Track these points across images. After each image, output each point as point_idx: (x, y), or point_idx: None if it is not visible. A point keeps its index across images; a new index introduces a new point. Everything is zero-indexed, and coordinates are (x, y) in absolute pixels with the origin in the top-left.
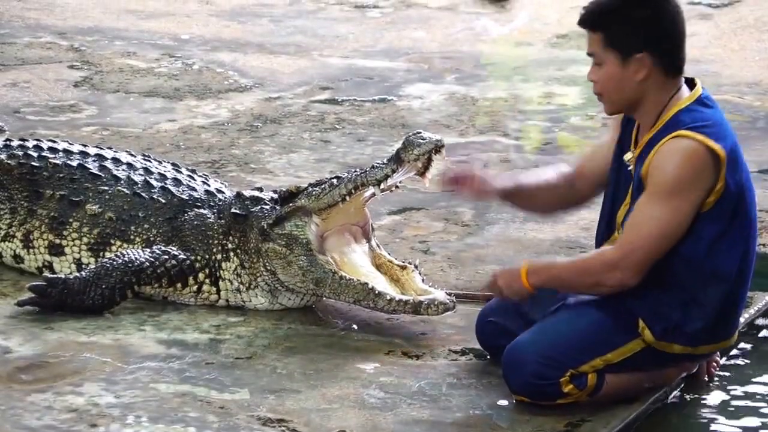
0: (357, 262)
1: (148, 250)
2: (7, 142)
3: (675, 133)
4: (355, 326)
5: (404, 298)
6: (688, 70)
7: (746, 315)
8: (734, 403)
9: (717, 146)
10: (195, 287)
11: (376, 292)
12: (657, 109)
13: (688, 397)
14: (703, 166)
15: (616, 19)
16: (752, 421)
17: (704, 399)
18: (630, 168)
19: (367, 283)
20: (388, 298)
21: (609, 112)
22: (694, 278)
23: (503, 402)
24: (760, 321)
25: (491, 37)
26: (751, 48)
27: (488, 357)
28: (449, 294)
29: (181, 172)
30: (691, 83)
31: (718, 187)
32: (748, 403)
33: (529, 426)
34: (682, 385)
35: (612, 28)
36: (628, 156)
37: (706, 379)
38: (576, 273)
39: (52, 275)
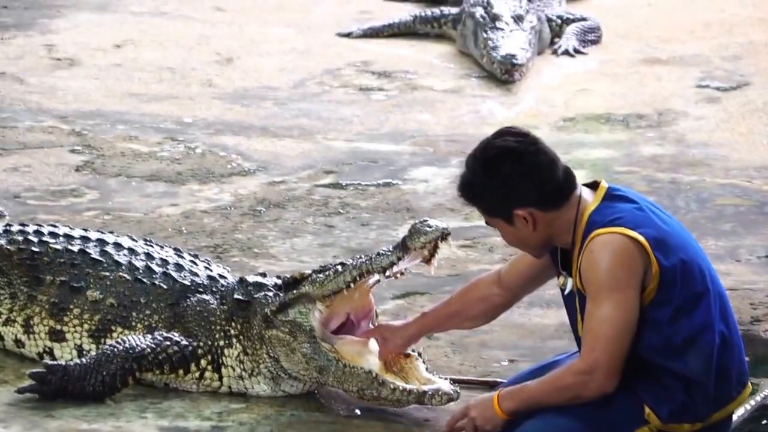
0: (361, 351)
1: (150, 336)
2: (8, 227)
3: (592, 235)
4: (358, 411)
5: (408, 387)
6: (697, 154)
7: (752, 402)
8: None
9: (635, 234)
10: (197, 374)
11: (380, 380)
12: (569, 231)
13: None
14: (629, 254)
15: (480, 193)
16: None
17: None
18: (568, 290)
19: (371, 371)
20: (392, 387)
21: (536, 257)
22: (671, 358)
23: None
24: None
25: (497, 120)
26: (759, 132)
27: None
28: (453, 382)
29: (183, 257)
30: (594, 185)
31: (654, 271)
32: None
33: None
34: None
35: (481, 202)
36: (561, 281)
37: None
38: (552, 391)
39: (52, 362)
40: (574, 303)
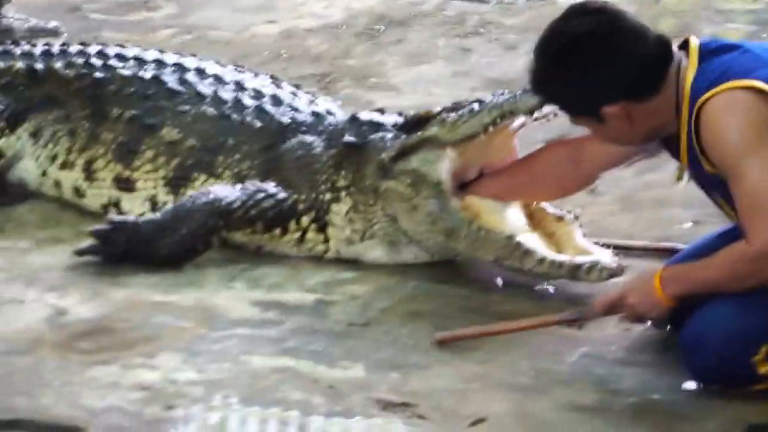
0: (501, 209)
1: (240, 186)
2: (64, 48)
3: (698, 104)
4: (499, 281)
5: (558, 258)
6: None
7: None
8: None
9: (749, 82)
10: (297, 234)
11: (524, 249)
12: (670, 111)
13: None
14: (751, 106)
15: (556, 92)
16: None
17: None
18: (685, 181)
19: (512, 237)
20: (539, 257)
21: (640, 146)
22: None
23: (689, 385)
24: None
25: None
26: None
27: (669, 327)
28: (617, 251)
29: (281, 89)
30: (684, 44)
31: None
32: None
33: (722, 417)
34: None
35: (559, 102)
36: (676, 174)
37: None
38: (728, 279)
39: (119, 217)
40: (710, 192)
